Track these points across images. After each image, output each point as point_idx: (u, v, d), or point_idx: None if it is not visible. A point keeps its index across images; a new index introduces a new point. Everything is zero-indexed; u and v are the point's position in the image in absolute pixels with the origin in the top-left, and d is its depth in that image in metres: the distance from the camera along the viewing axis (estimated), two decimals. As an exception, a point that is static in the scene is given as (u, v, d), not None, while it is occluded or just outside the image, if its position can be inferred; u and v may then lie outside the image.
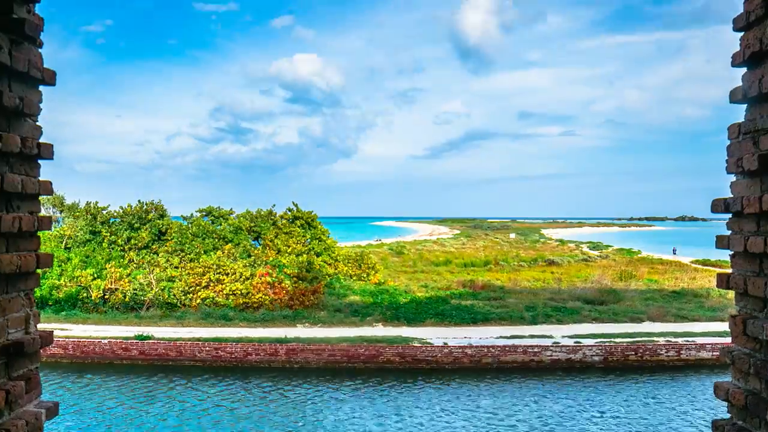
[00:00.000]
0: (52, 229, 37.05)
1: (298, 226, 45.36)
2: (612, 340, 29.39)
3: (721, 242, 2.76)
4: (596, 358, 28.06)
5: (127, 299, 34.91)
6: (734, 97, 2.69)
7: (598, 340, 29.34)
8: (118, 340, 28.39)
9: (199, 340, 28.49)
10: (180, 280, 36.12)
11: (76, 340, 28.51)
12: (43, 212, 2.69)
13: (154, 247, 41.13)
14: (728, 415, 2.68)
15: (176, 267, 37.29)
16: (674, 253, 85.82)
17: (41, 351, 2.62)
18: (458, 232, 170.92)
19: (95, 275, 35.29)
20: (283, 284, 35.07)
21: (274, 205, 47.15)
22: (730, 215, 2.72)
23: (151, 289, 34.97)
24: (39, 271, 2.67)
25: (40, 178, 2.63)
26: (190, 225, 42.68)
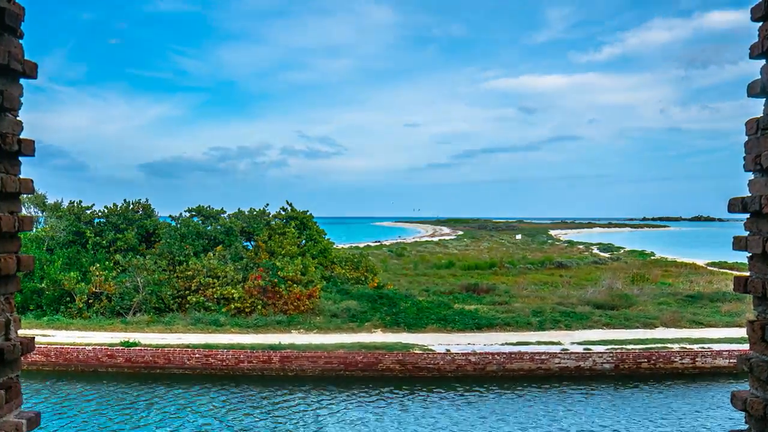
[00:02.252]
0: (34, 229, 36.82)
1: (293, 227, 45.32)
2: (623, 346, 29.40)
3: (738, 243, 2.76)
4: (607, 366, 28.07)
5: (112, 304, 34.87)
6: (752, 90, 2.69)
7: (609, 346, 29.35)
8: (103, 347, 28.37)
9: (188, 346, 28.48)
10: (168, 284, 36.09)
11: (58, 346, 28.48)
12: (23, 212, 2.68)
13: (141, 248, 41.10)
14: (746, 426, 2.68)
15: (164, 270, 37.27)
16: None
17: (22, 358, 2.61)
18: (461, 233, 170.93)
19: (79, 279, 35.25)
20: (276, 288, 35.06)
21: (267, 205, 47.10)
22: (747, 215, 2.72)
23: (138, 293, 34.95)
24: (20, 274, 2.66)
25: (21, 176, 2.62)
26: (178, 226, 42.65)
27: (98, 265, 36.25)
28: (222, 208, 46.24)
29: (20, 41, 2.58)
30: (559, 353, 28.25)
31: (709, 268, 70.05)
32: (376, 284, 45.40)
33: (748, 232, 2.73)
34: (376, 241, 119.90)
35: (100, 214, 43.40)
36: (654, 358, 28.42)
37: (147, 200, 44.38)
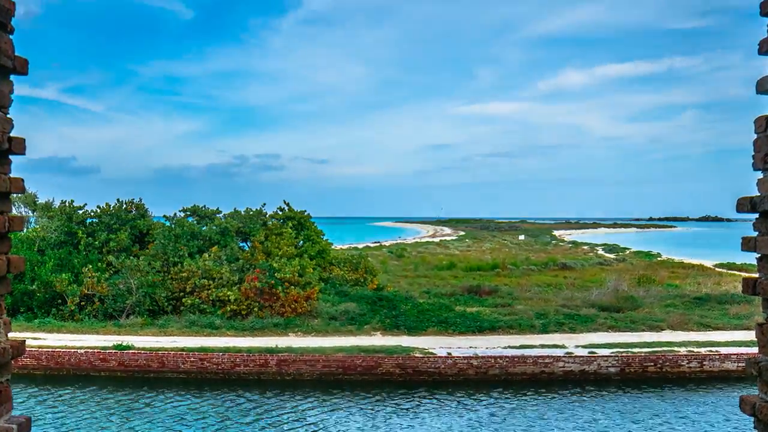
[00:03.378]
0: (24, 230, 36.73)
1: (290, 227, 45.30)
2: (629, 350, 29.41)
3: (747, 244, 2.76)
4: (612, 370, 28.07)
5: (105, 306, 34.86)
6: (761, 87, 2.69)
7: (615, 350, 29.35)
8: (96, 350, 28.36)
9: (183, 350, 28.47)
10: (162, 286, 36.08)
11: (50, 350, 28.47)
12: (14, 212, 2.67)
13: (134, 249, 41.07)
14: (755, 431, 2.68)
15: (158, 271, 37.25)
16: None
17: (12, 362, 2.61)
18: (463, 233, 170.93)
19: (71, 280, 35.24)
20: (273, 290, 35.05)
21: (264, 204, 47.08)
22: (756, 215, 2.72)
23: (132, 295, 34.94)
24: (10, 275, 2.66)
25: (11, 175, 2.62)
26: (173, 226, 42.62)
27: (90, 266, 36.22)
28: (217, 208, 46.23)
29: (10, 37, 2.58)
30: (564, 357, 28.25)
31: (717, 269, 70.04)
32: (375, 286, 45.37)
33: (757, 233, 2.73)
34: (375, 242, 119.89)
35: (92, 214, 43.36)
36: (661, 361, 28.43)
37: (140, 199, 44.37)
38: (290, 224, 45.90)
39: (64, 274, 35.27)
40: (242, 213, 45.76)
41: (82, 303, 35.20)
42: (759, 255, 2.71)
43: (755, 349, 2.74)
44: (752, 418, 2.67)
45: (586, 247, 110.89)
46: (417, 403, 24.81)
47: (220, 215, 45.59)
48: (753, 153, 2.74)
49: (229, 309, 34.91)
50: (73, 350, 28.45)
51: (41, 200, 43.26)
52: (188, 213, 45.50)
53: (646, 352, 29.03)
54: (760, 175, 2.72)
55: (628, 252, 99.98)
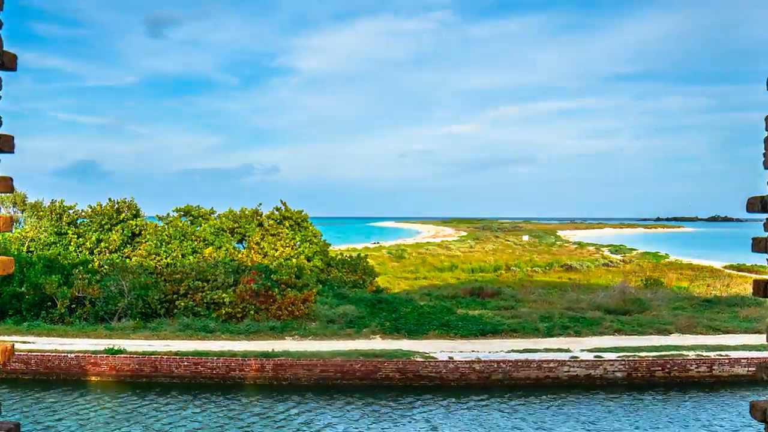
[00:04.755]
0: (13, 230, 36.79)
1: (287, 227, 45.35)
2: (636, 354, 29.41)
3: (758, 245, 2.76)
4: (619, 374, 28.08)
5: (96, 309, 34.85)
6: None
7: (621, 354, 29.36)
8: (87, 354, 28.34)
9: (176, 354, 28.46)
10: (155, 288, 36.07)
11: (39, 353, 28.44)
12: (2, 212, 2.67)
13: (126, 250, 41.09)
14: (765, 438, 2.68)
15: (151, 273, 37.25)
16: None
17: (1, 367, 2.61)
18: (465, 233, 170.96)
19: (61, 282, 35.23)
20: (270, 292, 35.06)
21: (260, 204, 47.14)
22: (767, 215, 2.72)
23: (123, 297, 34.94)
24: (-2, 277, 2.66)
25: (0, 174, 2.62)
26: (166, 226, 42.64)
27: (81, 267, 36.22)
28: (212, 208, 46.32)
29: (-1, 31, 2.58)
30: (569, 361, 28.25)
31: (726, 270, 70.09)
32: (374, 288, 45.42)
33: (767, 233, 2.73)
34: (374, 243, 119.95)
35: (83, 213, 43.39)
36: (668, 366, 28.43)
37: (132, 199, 44.37)
38: (287, 224, 45.94)
39: (53, 276, 35.25)
40: (237, 213, 45.78)
41: (73, 305, 35.19)
42: (770, 256, 2.71)
43: (766, 354, 2.74)
44: (763, 425, 2.67)
45: (591, 248, 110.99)
46: (418, 408, 24.80)
47: (215, 215, 45.62)
48: (763, 151, 2.74)
49: (224, 312, 34.91)
50: (63, 354, 28.43)
51: (30, 200, 43.28)
52: (182, 213, 45.52)
53: (653, 356, 29.03)
54: (771, 173, 2.72)
55: (635, 253, 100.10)
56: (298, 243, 45.97)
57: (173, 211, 45.44)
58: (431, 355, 28.91)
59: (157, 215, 46.18)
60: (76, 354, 28.47)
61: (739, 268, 71.53)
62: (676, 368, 28.44)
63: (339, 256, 50.18)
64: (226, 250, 40.46)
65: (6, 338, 30.83)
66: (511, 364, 27.94)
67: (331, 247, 51.56)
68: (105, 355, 28.25)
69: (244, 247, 43.46)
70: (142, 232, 42.25)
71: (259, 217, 46.10)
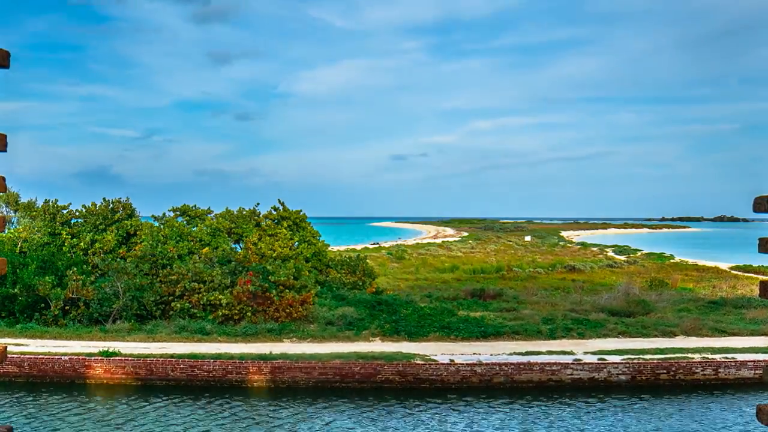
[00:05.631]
0: (6, 230, 36.56)
1: (285, 228, 45.33)
2: (641, 356, 29.42)
3: (764, 245, 2.76)
4: (623, 378, 28.08)
5: (90, 310, 34.84)
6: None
7: (625, 356, 29.37)
8: (81, 357, 28.33)
9: (172, 356, 28.46)
10: (151, 289, 36.06)
11: (32, 356, 28.44)
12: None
13: (121, 251, 41.05)
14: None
15: (146, 274, 37.24)
16: None
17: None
18: (466, 234, 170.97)
19: (54, 283, 35.21)
20: (267, 293, 35.05)
21: (258, 204, 47.09)
22: (774, 215, 2.71)
23: (118, 298, 34.93)
24: (-10, 278, 2.66)
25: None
26: (162, 226, 42.61)
27: (75, 268, 36.19)
28: (209, 208, 46.26)
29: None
30: (572, 364, 28.26)
31: (732, 272, 70.13)
32: (374, 289, 45.42)
33: (774, 234, 2.72)
34: (374, 243, 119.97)
35: (77, 213, 43.36)
36: (673, 368, 28.44)
37: (128, 198, 44.32)
38: (285, 225, 45.92)
39: (47, 277, 35.24)
40: (234, 213, 45.75)
41: (67, 307, 35.18)
42: (777, 257, 2.71)
43: (773, 356, 2.73)
44: (770, 428, 2.67)
45: (595, 249, 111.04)
46: (418, 412, 24.81)
47: (211, 215, 45.59)
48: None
49: (220, 314, 34.91)
50: (56, 357, 28.42)
51: (23, 199, 43.25)
52: (178, 213, 45.48)
53: (658, 359, 29.04)
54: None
55: (639, 254, 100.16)
56: (297, 244, 45.96)
57: (169, 210, 45.38)
58: (432, 357, 28.91)
59: (152, 215, 46.13)
60: (70, 357, 28.46)
61: (746, 269, 71.57)
62: (681, 371, 28.44)
63: (338, 257, 50.19)
64: (223, 250, 40.43)
65: (-2, 340, 30.81)
66: (513, 366, 27.94)
67: (330, 248, 51.57)
68: (99, 358, 28.24)
69: (241, 248, 43.44)
70: (138, 233, 42.19)
71: (256, 217, 46.08)
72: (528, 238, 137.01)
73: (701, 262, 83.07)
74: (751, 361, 28.79)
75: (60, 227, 41.83)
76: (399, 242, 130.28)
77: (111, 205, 43.38)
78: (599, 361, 28.56)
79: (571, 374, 27.99)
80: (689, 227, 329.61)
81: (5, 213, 42.81)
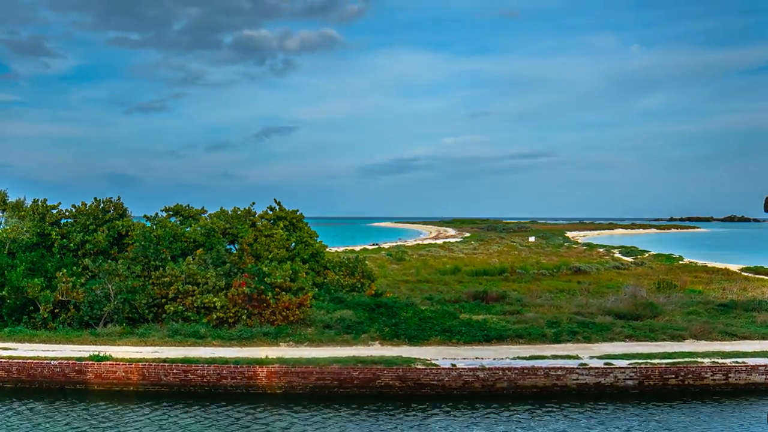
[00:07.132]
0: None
1: (281, 228, 45.28)
2: (648, 361, 29.42)
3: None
4: (630, 383, 28.08)
5: (81, 314, 34.83)
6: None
7: (632, 361, 29.37)
8: (71, 362, 28.33)
9: (165, 361, 28.45)
10: (143, 292, 36.04)
11: (21, 361, 28.44)
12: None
13: (112, 252, 41.03)
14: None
15: (138, 276, 37.23)
16: None
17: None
18: (468, 234, 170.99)
19: (44, 285, 35.20)
20: (263, 296, 35.05)
21: (254, 203, 47.05)
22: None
23: (110, 301, 34.92)
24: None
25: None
26: (154, 227, 42.56)
27: (65, 270, 36.16)
28: (203, 208, 46.19)
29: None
30: (577, 368, 28.25)
31: (743, 273, 70.15)
32: (373, 292, 45.38)
33: (786, 234, 2.72)
34: (373, 244, 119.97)
35: (67, 213, 43.30)
36: (682, 373, 28.44)
37: (119, 198, 44.27)
38: (281, 225, 45.87)
39: (36, 279, 35.23)
40: (229, 213, 45.70)
41: (56, 310, 35.16)
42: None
43: (785, 360, 2.73)
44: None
45: (601, 250, 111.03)
46: (418, 418, 24.81)
47: (206, 215, 45.55)
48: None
49: (215, 317, 34.89)
50: (46, 361, 28.42)
51: (11, 199, 43.18)
52: (171, 213, 45.45)
53: (666, 364, 29.04)
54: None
55: (647, 255, 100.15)
56: (293, 244, 45.92)
57: (162, 210, 45.31)
58: (433, 362, 28.91)
59: (145, 215, 46.07)
60: (59, 361, 28.46)
61: (757, 270, 71.59)
62: (690, 376, 28.43)
63: (336, 258, 50.15)
64: (218, 251, 40.39)
65: (-14, 344, 30.81)
66: (516, 371, 27.93)
67: (327, 249, 51.53)
68: (90, 362, 28.24)
69: (236, 249, 43.39)
70: (129, 233, 42.13)
71: (252, 218, 46.02)
72: (532, 239, 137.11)
73: (711, 264, 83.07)
74: (763, 366, 28.78)
75: (49, 227, 41.78)
76: (399, 243, 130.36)
77: (102, 205, 43.32)
78: (606, 366, 28.55)
79: (577, 379, 27.98)
80: (698, 228, 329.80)
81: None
